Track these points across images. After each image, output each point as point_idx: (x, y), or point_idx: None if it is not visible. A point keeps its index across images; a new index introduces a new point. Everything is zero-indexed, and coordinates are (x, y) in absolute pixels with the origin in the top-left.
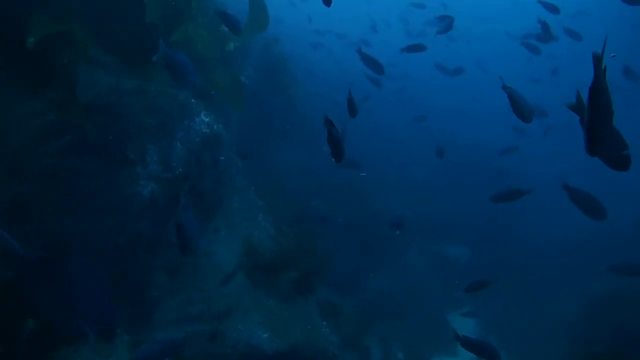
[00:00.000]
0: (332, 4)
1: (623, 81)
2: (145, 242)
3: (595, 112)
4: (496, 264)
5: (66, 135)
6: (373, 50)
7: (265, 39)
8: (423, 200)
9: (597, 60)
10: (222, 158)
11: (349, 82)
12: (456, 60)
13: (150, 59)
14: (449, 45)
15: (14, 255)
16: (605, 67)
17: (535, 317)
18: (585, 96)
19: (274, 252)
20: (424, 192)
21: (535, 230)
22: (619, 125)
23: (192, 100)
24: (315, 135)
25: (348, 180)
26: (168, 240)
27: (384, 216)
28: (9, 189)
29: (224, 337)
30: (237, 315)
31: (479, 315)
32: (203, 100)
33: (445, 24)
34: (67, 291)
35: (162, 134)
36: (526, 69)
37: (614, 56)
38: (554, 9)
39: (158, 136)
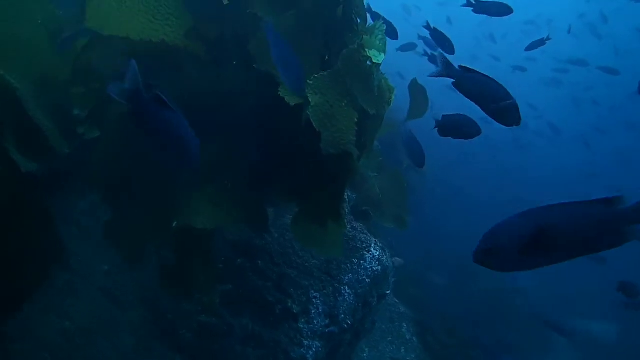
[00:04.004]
0: None
1: None
2: None
3: None
4: None
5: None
6: None
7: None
8: (552, 269)
9: None
10: (387, 292)
11: None
12: None
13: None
14: None
15: None
16: None
17: None
18: None
19: None
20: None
21: None
22: None
23: (362, 232)
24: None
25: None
26: None
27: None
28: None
29: None
30: None
31: None
32: (362, 222)
33: None
34: None
35: (328, 277)
36: None
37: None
38: None
39: (323, 281)
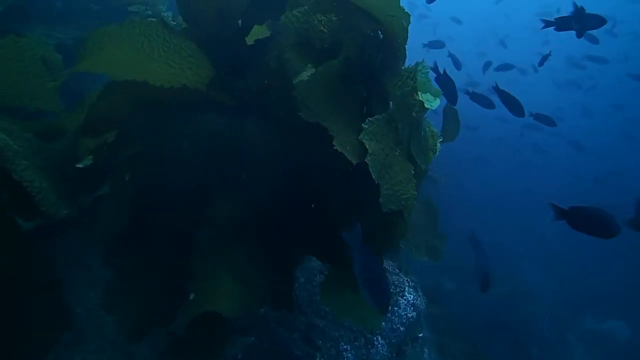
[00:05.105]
0: None
1: None
2: None
3: None
4: None
5: (249, 336)
6: None
7: None
8: (560, 269)
9: None
10: (420, 335)
11: None
12: None
13: None
14: None
15: None
16: None
17: None
18: None
19: None
20: (560, 258)
21: None
22: None
23: (394, 273)
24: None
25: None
26: None
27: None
28: None
29: None
30: None
31: None
32: (392, 260)
33: None
34: None
35: (360, 326)
36: None
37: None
38: None
39: (354, 331)
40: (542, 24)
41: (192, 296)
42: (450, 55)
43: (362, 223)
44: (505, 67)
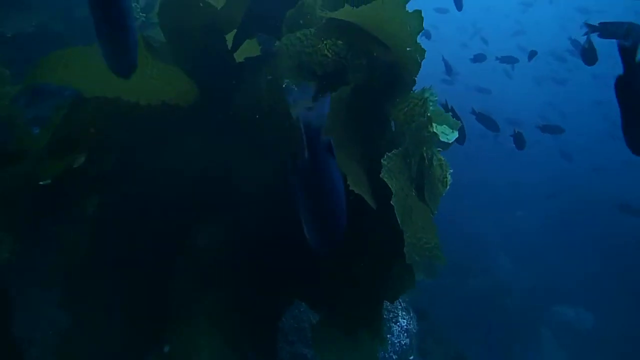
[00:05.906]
0: None
1: None
2: None
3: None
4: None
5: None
6: None
7: None
8: (531, 259)
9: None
10: (411, 358)
11: None
12: None
13: None
14: None
15: None
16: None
17: None
18: None
19: None
20: (531, 248)
21: None
22: None
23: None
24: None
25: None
26: None
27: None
28: None
29: None
30: None
31: None
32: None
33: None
34: None
35: None
36: None
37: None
38: None
39: None
40: (585, 29)
41: (167, 348)
42: (444, 61)
43: (362, 270)
44: (507, 59)
